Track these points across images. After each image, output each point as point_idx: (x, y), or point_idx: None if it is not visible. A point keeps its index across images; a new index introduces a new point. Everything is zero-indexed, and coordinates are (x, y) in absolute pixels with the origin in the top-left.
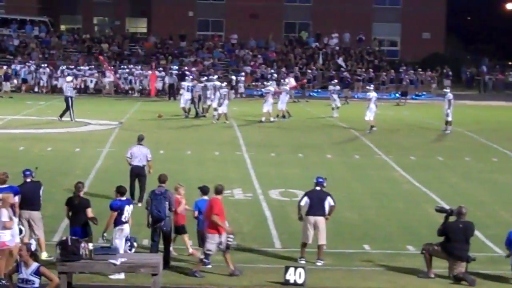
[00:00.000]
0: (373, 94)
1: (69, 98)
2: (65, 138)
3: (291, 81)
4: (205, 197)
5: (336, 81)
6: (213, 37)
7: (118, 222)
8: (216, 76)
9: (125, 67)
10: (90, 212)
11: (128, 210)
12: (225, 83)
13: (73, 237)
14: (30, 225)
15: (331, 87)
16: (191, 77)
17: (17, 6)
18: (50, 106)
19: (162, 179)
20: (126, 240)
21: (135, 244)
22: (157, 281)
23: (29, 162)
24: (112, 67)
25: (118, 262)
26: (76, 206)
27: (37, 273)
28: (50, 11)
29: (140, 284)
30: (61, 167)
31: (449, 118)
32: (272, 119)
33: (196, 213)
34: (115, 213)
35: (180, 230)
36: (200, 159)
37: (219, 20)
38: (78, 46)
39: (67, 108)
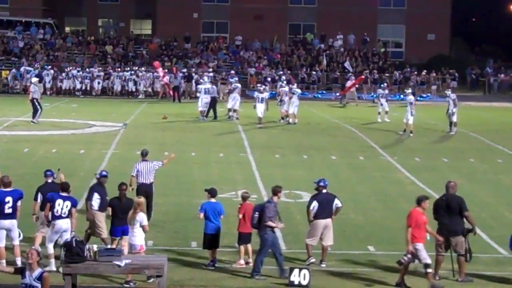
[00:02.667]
0: (411, 97)
1: (35, 100)
2: (70, 139)
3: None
4: (212, 200)
5: (385, 84)
6: (218, 38)
7: (52, 216)
8: (236, 78)
9: (129, 69)
10: (129, 212)
11: (60, 204)
12: (235, 79)
13: (77, 239)
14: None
15: (380, 91)
16: (207, 79)
17: (21, 8)
18: (55, 108)
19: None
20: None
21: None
22: (162, 283)
23: (34, 164)
24: (165, 71)
25: (122, 264)
26: (123, 206)
27: (40, 278)
28: (54, 13)
29: (144, 285)
30: (66, 169)
31: (454, 119)
32: (290, 120)
33: (202, 215)
34: (48, 204)
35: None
36: (204, 161)
37: (223, 22)
38: (82, 48)
39: (36, 109)
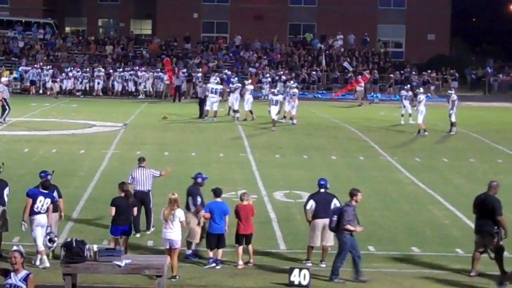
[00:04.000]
0: (423, 97)
1: (3, 100)
2: (70, 140)
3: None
4: (218, 199)
5: (408, 86)
6: (218, 38)
7: (31, 212)
8: (236, 78)
9: (129, 69)
10: (135, 211)
11: (42, 201)
12: (236, 79)
13: (77, 239)
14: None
15: (403, 92)
16: (217, 79)
17: (21, 8)
18: (55, 108)
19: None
20: (47, 234)
21: (55, 239)
22: (162, 283)
23: (34, 164)
24: (172, 72)
25: (122, 264)
26: (128, 205)
27: (26, 280)
28: (55, 13)
29: (144, 285)
30: (66, 169)
31: (453, 119)
32: (290, 121)
33: (208, 214)
34: (30, 200)
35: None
36: (204, 161)
37: (223, 22)
38: (82, 48)
39: (4, 109)
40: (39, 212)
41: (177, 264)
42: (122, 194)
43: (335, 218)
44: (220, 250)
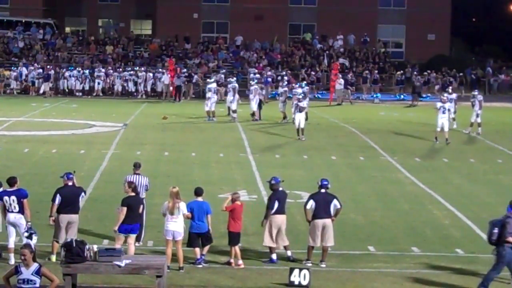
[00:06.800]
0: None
1: None
2: (70, 140)
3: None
4: (199, 199)
5: (451, 88)
6: (218, 39)
7: (6, 211)
8: (235, 78)
9: (130, 69)
10: (141, 208)
11: (8, 200)
12: (234, 79)
13: (77, 239)
14: (66, 228)
15: (446, 95)
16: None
17: (22, 8)
18: (55, 108)
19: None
20: (26, 230)
21: (34, 236)
22: (162, 283)
23: (34, 164)
24: (174, 73)
25: (122, 264)
26: (138, 203)
27: (38, 273)
28: (55, 13)
29: (144, 285)
30: (66, 169)
31: (479, 120)
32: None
33: (189, 214)
34: (1, 202)
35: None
36: (204, 161)
37: (223, 22)
38: (82, 48)
39: None
40: (11, 211)
41: (182, 255)
42: (132, 193)
43: (496, 230)
44: (197, 249)
